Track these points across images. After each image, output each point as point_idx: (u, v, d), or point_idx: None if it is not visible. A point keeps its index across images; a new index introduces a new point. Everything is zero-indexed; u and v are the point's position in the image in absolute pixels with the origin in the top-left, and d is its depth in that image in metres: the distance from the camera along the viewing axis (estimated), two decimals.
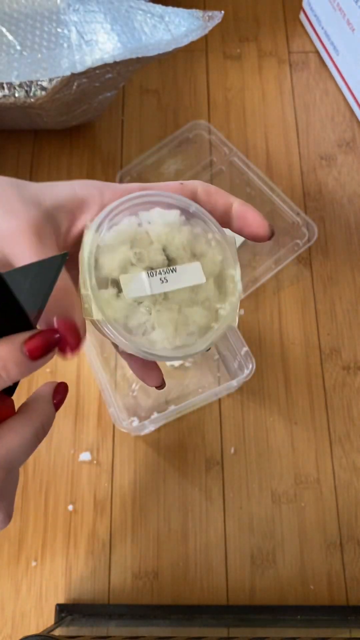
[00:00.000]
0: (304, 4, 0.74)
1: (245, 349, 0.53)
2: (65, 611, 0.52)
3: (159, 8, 0.60)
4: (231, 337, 0.54)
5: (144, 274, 0.26)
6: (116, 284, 0.26)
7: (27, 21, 0.67)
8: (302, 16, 0.75)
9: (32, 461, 0.57)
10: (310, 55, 0.74)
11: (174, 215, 0.28)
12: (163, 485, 0.56)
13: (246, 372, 0.52)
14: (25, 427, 0.25)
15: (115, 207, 0.27)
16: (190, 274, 0.27)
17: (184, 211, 0.29)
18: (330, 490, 0.56)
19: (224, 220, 0.30)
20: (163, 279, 0.27)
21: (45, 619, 0.52)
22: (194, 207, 0.29)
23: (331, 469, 0.57)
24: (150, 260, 0.27)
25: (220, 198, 0.29)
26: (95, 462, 0.57)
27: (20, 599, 0.53)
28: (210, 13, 0.58)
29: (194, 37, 0.57)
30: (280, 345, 0.61)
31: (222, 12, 0.57)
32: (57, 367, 0.60)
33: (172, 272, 0.27)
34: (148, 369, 0.32)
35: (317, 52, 0.74)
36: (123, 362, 0.60)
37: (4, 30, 0.66)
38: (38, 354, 0.24)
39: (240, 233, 0.30)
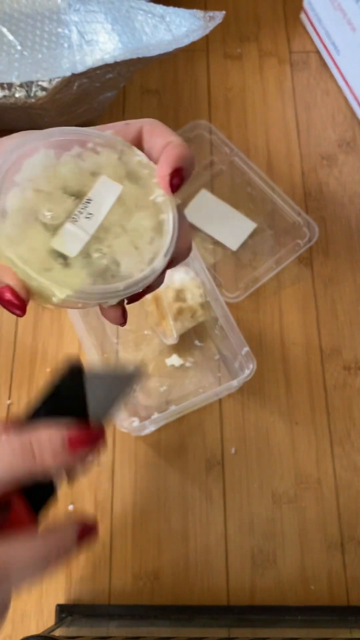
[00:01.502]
0: (305, 4, 0.74)
1: (246, 349, 0.53)
2: (66, 611, 0.52)
3: (159, 8, 0.60)
4: (232, 337, 0.54)
5: (68, 225, 0.24)
6: (52, 256, 0.24)
7: (28, 21, 0.67)
8: (302, 16, 0.75)
9: None
10: (311, 55, 0.74)
11: (43, 154, 0.26)
12: (163, 485, 0.56)
13: (247, 372, 0.52)
14: (36, 542, 0.23)
15: None
16: (105, 192, 0.25)
17: (50, 143, 0.26)
18: (331, 490, 0.56)
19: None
20: (88, 215, 0.25)
21: (46, 620, 0.52)
22: (55, 135, 0.26)
23: (332, 469, 0.57)
24: (64, 210, 0.25)
25: (161, 137, 0.27)
26: (95, 462, 0.57)
27: (20, 600, 0.53)
28: (211, 13, 0.58)
29: (195, 37, 0.57)
30: (281, 345, 0.61)
31: (223, 12, 0.57)
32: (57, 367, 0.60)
33: (88, 204, 0.25)
34: (118, 311, 0.29)
35: (318, 51, 0.74)
36: (123, 362, 0.60)
37: (4, 30, 0.66)
38: (77, 446, 0.22)
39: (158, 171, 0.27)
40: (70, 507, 0.55)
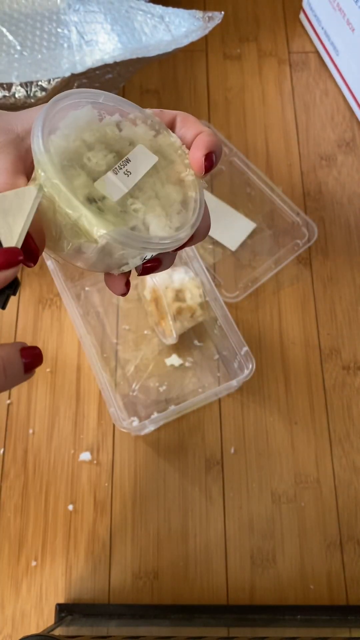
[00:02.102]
0: (304, 4, 0.74)
1: (245, 348, 0.53)
2: (66, 611, 0.52)
3: (159, 9, 0.60)
4: (231, 337, 0.54)
5: (110, 175, 0.26)
6: (89, 201, 0.25)
7: (28, 21, 0.67)
8: (302, 16, 0.75)
9: (33, 461, 0.57)
10: (310, 56, 0.75)
11: (88, 111, 0.27)
12: (163, 485, 0.56)
13: (246, 372, 0.52)
14: None
15: (43, 124, 0.26)
16: (142, 158, 0.27)
17: (95, 104, 0.28)
18: (330, 490, 0.56)
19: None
20: (127, 172, 0.26)
21: (46, 619, 0.52)
22: (102, 96, 0.28)
23: (331, 469, 0.57)
24: (106, 163, 0.26)
25: (192, 126, 0.29)
26: (95, 461, 0.57)
27: (20, 599, 0.53)
28: (210, 14, 0.58)
29: (194, 37, 0.57)
30: (280, 345, 0.61)
31: (222, 12, 0.57)
32: (57, 367, 0.60)
33: (128, 163, 0.26)
34: (120, 280, 0.30)
35: (317, 52, 0.74)
36: (123, 362, 0.60)
37: (4, 30, 0.66)
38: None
39: (190, 156, 0.29)
40: (70, 507, 0.55)
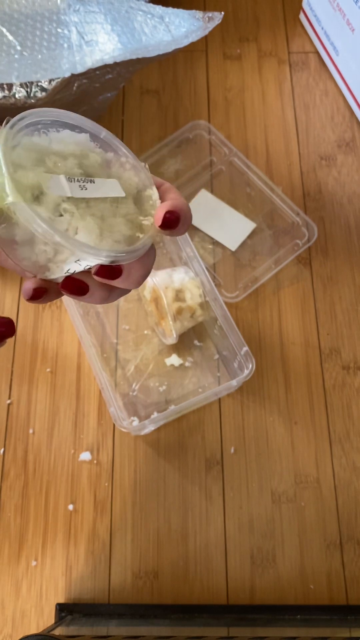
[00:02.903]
0: (304, 4, 0.74)
1: (245, 348, 0.53)
2: (66, 611, 0.52)
3: (159, 9, 0.60)
4: (231, 336, 0.54)
5: (62, 177, 0.26)
6: (32, 194, 0.25)
7: (28, 21, 0.67)
8: (302, 16, 0.75)
9: (33, 461, 0.57)
10: (310, 56, 0.75)
11: (84, 137, 0.28)
12: (163, 484, 0.56)
13: (246, 371, 0.52)
14: None
15: (24, 117, 0.27)
16: (108, 188, 0.27)
17: (94, 137, 0.29)
18: (330, 489, 0.56)
19: None
20: (82, 186, 0.26)
21: (46, 619, 0.52)
22: (104, 133, 0.29)
23: (331, 469, 0.57)
24: (67, 171, 0.26)
25: (171, 194, 0.30)
26: (95, 461, 0.57)
27: (20, 599, 0.53)
28: (210, 14, 0.58)
29: (194, 38, 0.57)
30: (280, 345, 0.61)
31: (222, 13, 0.57)
32: (57, 367, 0.60)
33: (90, 182, 0.27)
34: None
35: (317, 52, 0.75)
36: (123, 362, 0.60)
37: (4, 30, 0.66)
38: None
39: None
40: (70, 507, 0.55)
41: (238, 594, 0.53)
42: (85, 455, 0.57)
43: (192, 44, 0.59)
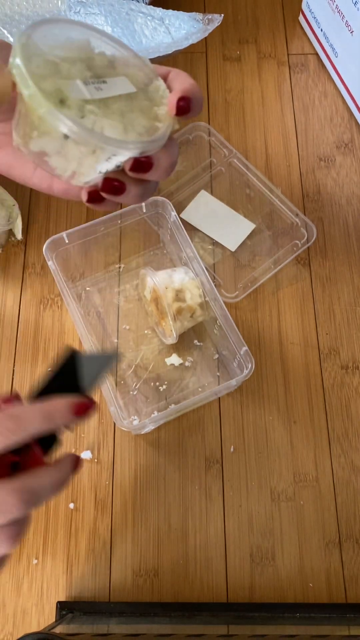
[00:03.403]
0: (303, 6, 0.74)
1: (245, 348, 0.53)
2: (66, 609, 0.52)
3: (159, 11, 0.60)
4: (231, 336, 0.55)
5: (79, 81, 0.27)
6: (58, 100, 0.26)
7: (29, 23, 0.67)
8: (301, 18, 0.76)
9: None
10: (309, 57, 0.75)
11: (85, 42, 0.29)
12: (163, 483, 0.57)
13: (245, 371, 0.52)
14: (51, 471, 0.32)
15: (35, 27, 0.28)
16: (120, 85, 0.29)
17: (95, 37, 0.30)
18: (329, 488, 0.56)
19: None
20: (98, 87, 0.28)
21: (46, 617, 0.53)
22: (100, 34, 0.30)
23: (330, 468, 0.57)
24: (80, 75, 0.27)
25: (182, 79, 0.31)
26: (95, 460, 0.57)
27: (21, 597, 0.53)
28: (210, 16, 0.58)
29: (194, 40, 0.57)
30: (279, 345, 0.61)
31: (222, 15, 0.58)
32: None
33: (103, 82, 0.28)
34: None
35: (316, 54, 0.75)
36: (123, 363, 0.60)
37: (5, 32, 0.67)
38: (78, 412, 0.31)
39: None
40: (71, 506, 0.56)
41: (238, 592, 0.54)
42: (86, 454, 0.57)
43: (192, 46, 0.59)
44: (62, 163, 0.28)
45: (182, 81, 0.31)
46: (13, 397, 0.32)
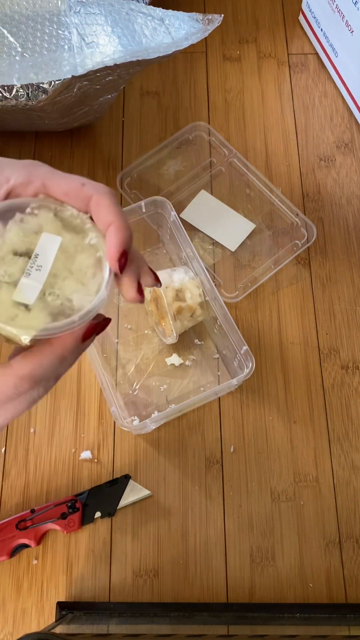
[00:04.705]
0: (303, 6, 0.74)
1: (245, 347, 0.53)
2: (66, 609, 0.52)
3: (159, 11, 0.60)
4: (231, 336, 0.54)
5: (24, 279, 0.28)
6: (16, 305, 0.28)
7: (29, 23, 0.68)
8: (301, 18, 0.76)
9: (34, 460, 0.57)
10: (309, 57, 0.75)
11: None
12: (163, 483, 0.56)
13: (246, 370, 0.52)
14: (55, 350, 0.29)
15: None
16: (48, 245, 0.29)
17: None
18: (329, 488, 0.56)
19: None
20: (37, 268, 0.28)
21: (46, 617, 0.53)
22: None
23: (330, 468, 0.57)
24: (19, 269, 0.28)
25: (104, 213, 0.29)
26: (95, 460, 0.57)
27: (21, 597, 0.53)
28: (209, 16, 0.58)
29: (194, 40, 0.57)
30: (280, 345, 0.61)
31: (222, 15, 0.58)
32: None
33: (36, 258, 0.29)
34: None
35: (316, 53, 0.75)
36: (124, 362, 0.60)
37: (5, 32, 0.67)
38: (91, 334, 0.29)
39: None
40: None
41: (238, 593, 0.54)
42: (86, 454, 0.57)
43: (192, 46, 0.59)
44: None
45: (107, 217, 0.29)
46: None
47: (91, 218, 0.30)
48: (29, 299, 0.28)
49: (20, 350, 0.29)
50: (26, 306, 0.28)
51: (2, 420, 0.28)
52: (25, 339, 0.27)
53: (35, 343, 0.28)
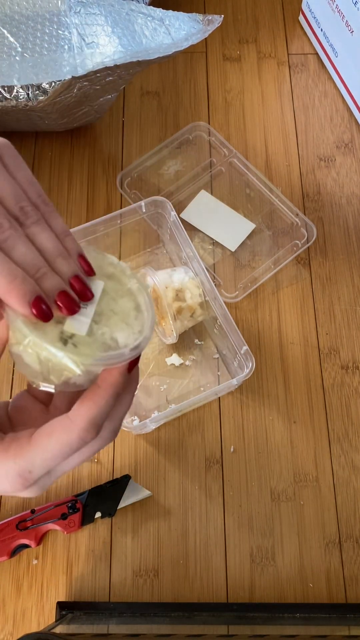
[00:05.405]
0: (303, 6, 0.74)
1: (245, 347, 0.53)
2: (66, 609, 0.52)
3: (159, 11, 0.60)
4: (231, 336, 0.55)
5: (70, 318, 0.29)
6: (61, 342, 0.29)
7: (29, 23, 0.68)
8: (301, 18, 0.76)
9: None
10: (309, 57, 0.75)
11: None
12: (163, 483, 0.56)
13: (246, 370, 0.52)
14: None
15: None
16: (92, 288, 0.31)
17: None
18: (329, 488, 0.56)
19: None
20: (83, 306, 0.30)
21: (46, 617, 0.53)
22: None
23: (330, 468, 0.57)
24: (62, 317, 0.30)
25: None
26: (96, 460, 0.57)
27: (21, 597, 0.53)
28: (209, 17, 0.58)
29: (194, 40, 0.57)
30: (280, 345, 0.61)
31: (222, 16, 0.58)
32: None
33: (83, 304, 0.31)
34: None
35: (316, 53, 0.75)
36: None
37: (5, 32, 0.67)
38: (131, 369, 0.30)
39: None
40: None
41: (238, 592, 0.54)
42: None
43: (192, 46, 0.59)
44: (89, 379, 0.30)
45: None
46: None
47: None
48: (80, 330, 0.29)
49: (48, 396, 0.31)
50: (73, 344, 0.29)
51: (68, 467, 0.29)
52: (81, 367, 0.28)
53: (79, 387, 0.29)
